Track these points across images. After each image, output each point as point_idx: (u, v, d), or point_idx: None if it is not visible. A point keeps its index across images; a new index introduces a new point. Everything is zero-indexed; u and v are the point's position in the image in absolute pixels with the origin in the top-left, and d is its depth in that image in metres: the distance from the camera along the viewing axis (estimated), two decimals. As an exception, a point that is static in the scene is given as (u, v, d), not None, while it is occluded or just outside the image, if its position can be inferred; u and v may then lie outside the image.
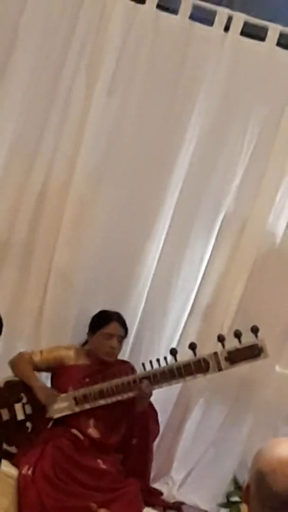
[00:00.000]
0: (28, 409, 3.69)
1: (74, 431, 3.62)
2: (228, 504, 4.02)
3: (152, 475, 3.88)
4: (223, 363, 3.67)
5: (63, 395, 3.67)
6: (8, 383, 3.73)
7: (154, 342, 4.12)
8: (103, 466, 3.56)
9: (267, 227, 4.10)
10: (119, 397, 3.64)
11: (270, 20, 4.02)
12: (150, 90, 4.05)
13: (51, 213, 4.08)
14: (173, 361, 3.68)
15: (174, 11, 4.04)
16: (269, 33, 4.01)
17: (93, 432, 3.64)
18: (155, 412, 3.81)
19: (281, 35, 4.01)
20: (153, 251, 4.08)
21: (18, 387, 3.72)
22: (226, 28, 4.02)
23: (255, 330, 3.68)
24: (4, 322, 3.69)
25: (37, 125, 4.07)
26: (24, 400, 3.69)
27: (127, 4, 4.02)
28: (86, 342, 3.89)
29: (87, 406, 3.64)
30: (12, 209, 4.10)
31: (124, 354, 3.97)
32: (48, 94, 4.05)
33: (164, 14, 4.05)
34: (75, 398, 3.64)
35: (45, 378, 3.88)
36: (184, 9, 4.01)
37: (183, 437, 4.14)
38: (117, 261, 4.10)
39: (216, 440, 4.15)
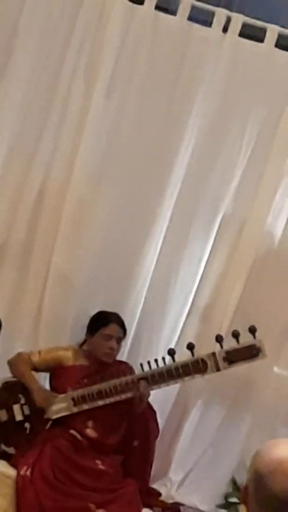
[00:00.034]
0: (27, 410, 3.69)
1: (73, 431, 3.62)
2: (226, 505, 4.02)
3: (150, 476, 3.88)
4: (221, 363, 3.68)
5: (61, 395, 3.67)
6: (6, 384, 3.73)
7: (152, 342, 4.12)
8: (102, 467, 3.56)
9: (266, 228, 4.11)
10: (117, 398, 3.64)
11: (269, 21, 4.02)
12: (148, 90, 4.05)
13: (50, 213, 4.08)
14: (171, 361, 3.69)
15: (173, 12, 4.05)
16: (267, 34, 4.01)
17: (91, 432, 3.64)
18: (154, 412, 3.81)
19: (280, 36, 4.02)
20: (151, 252, 4.08)
21: (17, 388, 3.72)
22: (225, 29, 4.03)
23: (253, 330, 3.68)
24: (3, 322, 3.69)
25: (36, 125, 4.07)
26: (23, 401, 3.69)
27: (125, 5, 4.02)
28: (84, 343, 3.89)
29: (85, 406, 3.64)
30: (10, 209, 4.10)
31: (123, 355, 3.97)
32: (47, 94, 4.05)
33: (163, 15, 4.05)
34: (73, 399, 3.64)
35: (44, 379, 3.88)
36: (182, 10, 4.01)
37: (181, 438, 4.14)
38: (116, 261, 4.10)
39: (214, 441, 4.15)
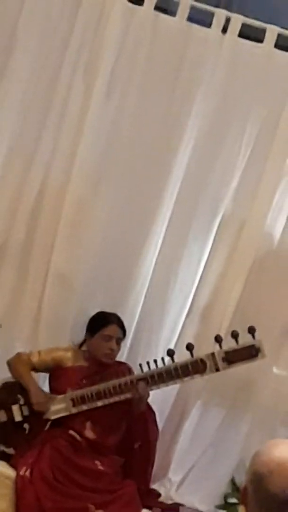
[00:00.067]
0: (26, 411, 3.68)
1: (72, 432, 3.62)
2: (226, 505, 4.02)
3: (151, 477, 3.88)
4: (220, 363, 3.68)
5: (60, 396, 3.66)
6: (5, 384, 3.73)
7: (151, 343, 4.12)
8: (101, 468, 3.56)
9: (265, 228, 4.11)
10: (116, 398, 3.64)
11: (268, 22, 4.02)
12: (148, 91, 4.05)
13: (50, 213, 4.07)
14: (171, 362, 3.69)
15: (172, 13, 4.05)
16: (267, 34, 4.01)
17: (89, 433, 3.64)
18: (153, 413, 3.81)
19: (279, 37, 4.02)
20: (151, 252, 4.08)
21: (16, 388, 3.71)
22: (224, 30, 4.03)
23: (252, 330, 3.68)
24: (3, 322, 3.69)
25: (36, 125, 4.06)
26: (22, 401, 3.69)
27: (125, 6, 4.02)
28: (83, 343, 3.89)
29: (84, 407, 3.63)
30: (10, 209, 4.09)
31: (122, 355, 3.97)
32: (47, 94, 4.05)
33: (162, 15, 4.05)
34: (72, 399, 3.64)
35: (43, 379, 3.88)
36: (182, 10, 4.01)
37: (180, 438, 4.14)
38: (115, 262, 4.10)
39: (213, 441, 4.15)
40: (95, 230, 4.08)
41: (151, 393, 3.68)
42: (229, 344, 3.70)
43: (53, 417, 3.64)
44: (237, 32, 4.02)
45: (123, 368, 3.79)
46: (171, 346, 3.96)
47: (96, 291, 4.10)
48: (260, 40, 4.03)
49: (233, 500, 4.00)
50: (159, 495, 3.94)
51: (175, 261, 4.11)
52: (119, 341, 3.81)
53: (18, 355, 3.80)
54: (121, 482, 3.56)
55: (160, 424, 3.91)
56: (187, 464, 4.14)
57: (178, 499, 4.00)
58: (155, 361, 3.65)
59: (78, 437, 3.61)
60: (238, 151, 4.08)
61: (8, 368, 3.77)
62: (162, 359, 3.68)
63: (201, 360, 3.68)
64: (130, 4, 4.03)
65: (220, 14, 4.02)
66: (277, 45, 4.03)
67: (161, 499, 3.93)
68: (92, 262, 4.08)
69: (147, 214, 4.07)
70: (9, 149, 4.07)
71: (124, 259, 4.08)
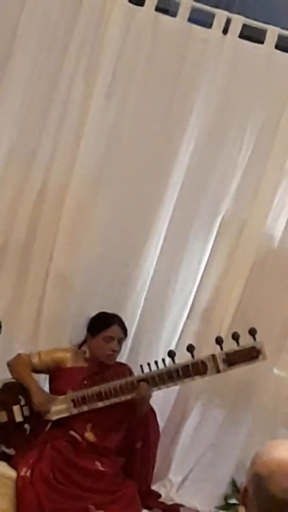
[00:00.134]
0: (26, 411, 3.69)
1: (72, 433, 3.61)
2: (226, 506, 4.02)
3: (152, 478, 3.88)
4: (221, 365, 3.67)
5: (61, 397, 3.66)
6: (6, 385, 3.72)
7: (152, 344, 4.12)
8: (101, 468, 3.56)
9: (266, 229, 4.11)
10: (117, 399, 3.64)
11: (269, 23, 4.02)
12: (149, 91, 4.05)
13: (50, 215, 4.07)
14: (171, 363, 3.68)
15: (173, 14, 4.05)
16: (267, 35, 4.01)
17: (90, 435, 3.63)
18: (154, 414, 3.81)
19: (280, 38, 4.02)
20: (151, 253, 4.08)
21: (16, 389, 3.71)
22: (225, 31, 4.03)
23: (253, 332, 3.68)
24: (3, 323, 3.69)
25: (36, 125, 4.06)
26: (22, 402, 3.69)
27: (126, 6, 4.02)
28: (83, 343, 3.88)
29: (85, 408, 3.63)
30: (10, 209, 4.10)
31: (123, 356, 3.96)
32: (47, 95, 4.05)
33: (163, 16, 4.05)
34: (73, 400, 3.64)
35: (43, 380, 3.88)
36: (182, 11, 4.01)
37: (181, 439, 4.14)
38: (116, 263, 4.10)
39: (214, 442, 4.14)
40: (95, 230, 4.08)
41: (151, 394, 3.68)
42: (230, 345, 3.70)
43: (54, 418, 3.64)
44: (237, 33, 4.02)
45: (124, 369, 3.78)
46: (172, 347, 3.96)
47: (96, 292, 4.10)
48: (260, 41, 4.03)
49: (233, 501, 4.00)
50: (159, 495, 3.93)
51: (176, 261, 4.11)
52: (120, 341, 3.81)
53: (19, 356, 3.80)
54: (122, 482, 3.56)
55: (160, 425, 3.91)
56: (187, 465, 4.14)
57: (178, 500, 4.00)
58: (156, 362, 3.65)
59: (78, 437, 3.61)
60: (239, 152, 4.08)
61: (8, 369, 3.77)
62: (163, 360, 3.67)
63: (202, 361, 3.67)
64: (131, 5, 4.03)
65: (221, 15, 4.02)
66: (277, 46, 4.03)
67: (161, 499, 3.93)
68: (93, 263, 4.08)
69: (147, 214, 4.07)
70: (9, 150, 4.07)
71: (125, 259, 4.08)
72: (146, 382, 3.63)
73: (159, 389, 3.68)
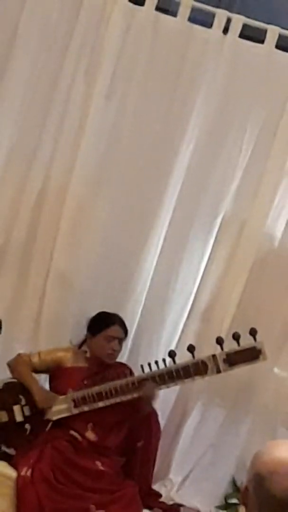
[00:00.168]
0: (27, 411, 3.69)
1: (73, 432, 3.62)
2: (226, 506, 4.02)
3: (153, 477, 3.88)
4: (221, 365, 3.67)
5: (62, 397, 3.66)
6: (6, 385, 3.72)
7: (152, 344, 4.12)
8: (102, 468, 3.56)
9: (266, 229, 4.11)
10: (117, 399, 3.64)
11: (269, 23, 4.02)
12: (149, 91, 4.05)
13: (50, 213, 4.07)
14: (172, 363, 3.68)
15: (173, 13, 4.05)
16: (268, 35, 4.01)
17: (90, 436, 3.64)
18: (156, 413, 3.81)
19: (280, 37, 4.02)
20: (151, 253, 4.08)
21: (17, 389, 3.71)
22: (225, 30, 4.03)
23: (253, 332, 3.68)
24: (3, 323, 3.69)
25: (36, 125, 4.06)
26: (23, 402, 3.69)
27: (126, 6, 4.02)
28: (83, 343, 3.88)
29: (85, 408, 3.63)
30: (11, 209, 4.10)
31: (123, 356, 3.97)
32: (47, 95, 4.05)
33: (163, 16, 4.05)
34: (74, 400, 3.64)
35: (44, 380, 3.88)
36: (183, 11, 4.01)
37: (181, 439, 4.14)
38: (116, 262, 4.10)
39: (214, 442, 4.15)
40: (96, 230, 4.08)
41: (152, 393, 3.69)
42: (230, 345, 3.70)
43: (54, 418, 3.64)
44: (238, 33, 4.02)
45: (124, 369, 3.79)
46: (172, 347, 3.96)
47: (96, 292, 4.10)
48: (261, 40, 4.03)
49: (233, 500, 4.00)
50: (160, 495, 3.93)
51: (176, 261, 4.11)
52: (121, 341, 3.81)
53: (19, 356, 3.80)
54: (122, 482, 3.56)
55: (161, 425, 3.90)
56: (187, 464, 4.14)
57: (178, 500, 4.00)
58: (156, 362, 3.65)
59: (79, 437, 3.61)
60: (239, 151, 4.08)
61: (8, 369, 3.77)
62: (164, 360, 3.67)
63: (202, 361, 3.67)
64: (131, 5, 4.03)
65: (221, 15, 4.02)
66: (278, 46, 4.03)
67: (161, 499, 3.93)
68: (93, 263, 4.08)
69: (148, 214, 4.07)
70: (9, 149, 4.07)
71: (125, 259, 4.08)
72: (153, 380, 3.63)
73: (160, 389, 3.69)
